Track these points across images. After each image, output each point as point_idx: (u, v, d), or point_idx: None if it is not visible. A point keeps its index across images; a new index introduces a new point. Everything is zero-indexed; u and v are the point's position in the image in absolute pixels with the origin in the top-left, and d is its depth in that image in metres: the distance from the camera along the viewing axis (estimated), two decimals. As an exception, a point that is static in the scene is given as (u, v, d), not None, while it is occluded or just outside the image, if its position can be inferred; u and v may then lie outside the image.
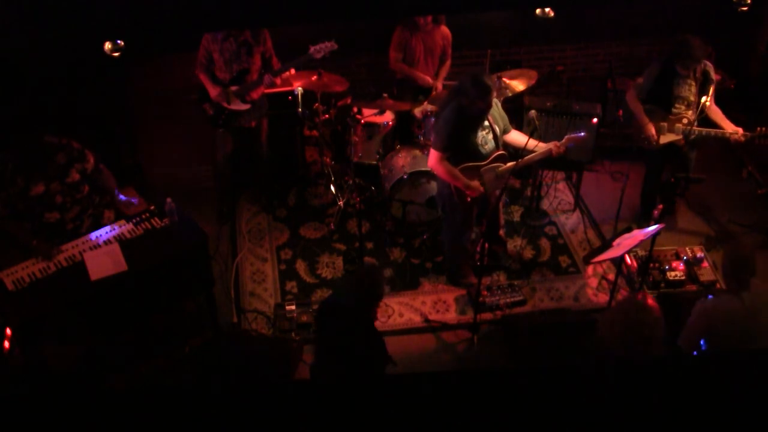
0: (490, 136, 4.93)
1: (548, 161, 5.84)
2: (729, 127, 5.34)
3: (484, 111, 4.78)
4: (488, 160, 4.93)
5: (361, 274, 4.16)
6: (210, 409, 1.88)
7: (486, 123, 4.88)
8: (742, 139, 5.28)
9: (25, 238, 4.44)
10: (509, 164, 4.97)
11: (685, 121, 5.39)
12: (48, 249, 4.39)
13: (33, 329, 4.21)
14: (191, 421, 1.86)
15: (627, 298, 4.09)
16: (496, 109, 4.96)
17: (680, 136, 5.41)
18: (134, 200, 4.87)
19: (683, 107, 5.41)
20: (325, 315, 4.11)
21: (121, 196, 4.80)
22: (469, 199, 4.96)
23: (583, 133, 4.98)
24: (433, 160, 4.88)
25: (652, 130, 5.43)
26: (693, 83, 5.35)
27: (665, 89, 5.40)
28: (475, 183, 4.90)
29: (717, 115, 5.41)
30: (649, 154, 5.69)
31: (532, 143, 4.88)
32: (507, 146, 5.10)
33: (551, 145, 4.94)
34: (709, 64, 5.36)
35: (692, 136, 5.37)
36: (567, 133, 5.06)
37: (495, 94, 4.78)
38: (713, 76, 5.37)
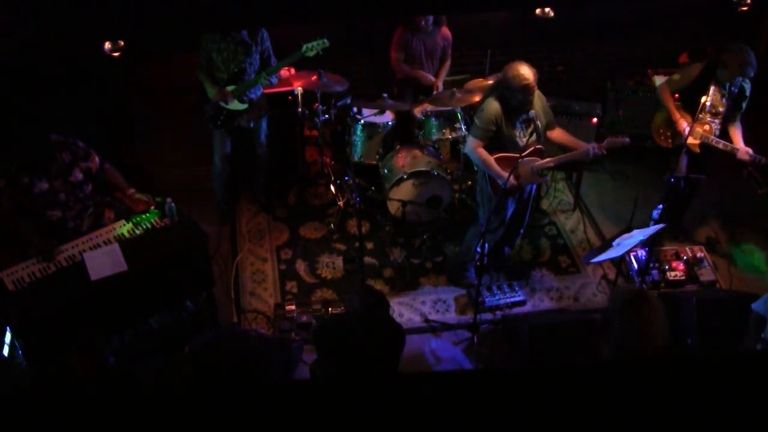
0: (530, 129, 4.88)
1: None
2: (740, 145, 5.27)
3: (524, 103, 4.76)
4: (525, 153, 4.88)
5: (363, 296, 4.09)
6: (210, 409, 1.88)
7: (527, 116, 4.84)
8: (747, 158, 5.22)
9: (27, 236, 4.45)
10: (547, 159, 4.94)
11: (706, 128, 5.35)
12: (49, 249, 4.39)
13: (34, 330, 4.21)
14: (191, 421, 1.86)
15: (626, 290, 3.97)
16: (541, 103, 4.92)
17: (697, 141, 5.37)
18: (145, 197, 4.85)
19: (708, 115, 5.36)
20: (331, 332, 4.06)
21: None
22: (501, 188, 4.91)
23: (627, 139, 4.87)
24: (468, 145, 4.90)
25: (684, 126, 5.37)
26: (726, 94, 5.30)
27: (698, 93, 5.34)
28: (507, 173, 4.82)
29: (735, 132, 5.36)
30: (663, 153, 5.64)
31: (566, 137, 4.91)
32: (550, 143, 5.06)
33: (589, 146, 4.85)
34: (748, 81, 5.28)
35: (708, 144, 5.33)
36: (591, 137, 5.00)
37: (535, 86, 4.70)
38: (748, 93, 5.30)
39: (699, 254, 5.60)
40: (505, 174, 4.81)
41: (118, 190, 4.80)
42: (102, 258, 4.37)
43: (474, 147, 4.85)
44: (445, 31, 6.19)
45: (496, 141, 4.85)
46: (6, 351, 4.80)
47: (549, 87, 6.78)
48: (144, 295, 4.53)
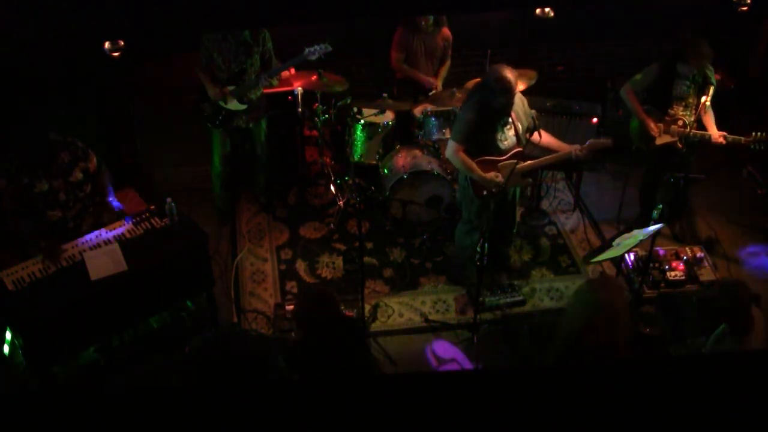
0: (512, 132, 4.90)
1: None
2: (712, 131, 5.32)
3: (506, 107, 4.77)
4: (506, 156, 4.91)
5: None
6: (210, 409, 1.88)
7: (508, 119, 4.86)
8: (723, 141, 5.26)
9: (29, 237, 4.44)
10: (528, 162, 4.96)
11: (680, 122, 5.38)
12: (56, 250, 4.38)
13: (34, 330, 4.21)
14: (191, 421, 1.86)
15: (587, 282, 4.04)
16: (522, 106, 4.93)
17: (676, 138, 5.40)
18: (119, 206, 4.78)
19: (680, 109, 5.39)
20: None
21: (115, 203, 4.73)
22: (484, 192, 4.95)
23: (609, 140, 4.92)
24: (450, 150, 4.88)
25: (653, 126, 5.41)
26: (692, 85, 5.33)
27: (664, 90, 5.38)
28: (491, 175, 4.87)
29: (708, 118, 5.38)
30: (646, 154, 5.69)
31: (549, 139, 4.88)
32: (533, 145, 5.08)
33: (572, 147, 4.91)
34: (710, 66, 5.33)
35: (688, 138, 5.36)
36: (591, 138, 5.03)
37: (516, 90, 4.74)
38: (713, 79, 5.33)
39: (699, 254, 5.59)
40: (490, 176, 4.86)
41: (101, 196, 4.76)
42: (102, 258, 4.37)
43: (455, 151, 4.84)
44: (446, 31, 6.19)
45: (477, 145, 4.85)
46: (6, 351, 4.81)
47: (549, 87, 6.80)
48: (144, 295, 4.52)
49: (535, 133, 4.77)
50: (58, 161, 4.50)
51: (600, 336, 3.50)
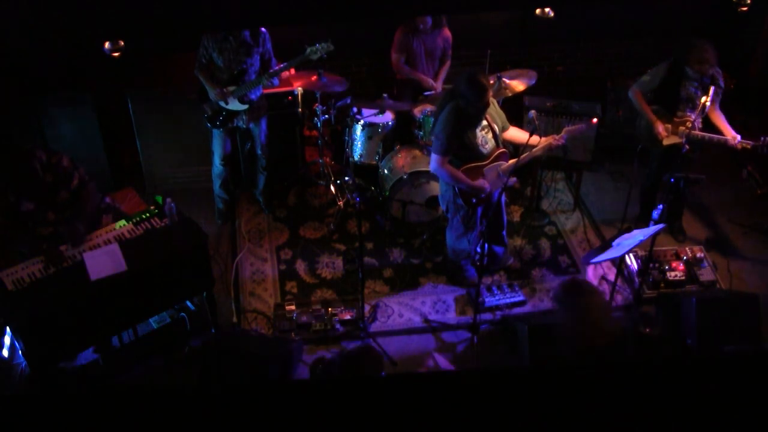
0: (490, 135, 4.92)
1: (549, 161, 5.85)
2: (728, 133, 5.31)
3: (482, 111, 4.77)
4: (489, 159, 4.92)
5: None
6: (210, 409, 1.88)
7: (485, 122, 4.87)
8: (739, 146, 5.25)
9: (33, 245, 4.41)
10: (511, 162, 4.96)
11: (688, 124, 5.36)
12: (57, 253, 4.36)
13: (34, 330, 4.21)
14: (191, 422, 1.86)
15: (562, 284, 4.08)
16: (494, 107, 4.94)
17: (683, 139, 5.39)
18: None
19: (688, 110, 5.38)
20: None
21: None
22: (473, 200, 4.96)
23: (582, 125, 4.97)
24: (434, 163, 4.86)
25: (661, 128, 5.40)
26: (700, 87, 5.32)
27: (672, 91, 5.36)
28: (480, 182, 4.89)
29: (719, 119, 5.37)
30: (651, 154, 5.68)
31: (533, 140, 4.87)
32: (507, 144, 5.10)
33: (550, 138, 4.94)
34: (718, 69, 5.30)
35: (695, 140, 5.35)
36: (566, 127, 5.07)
37: (491, 92, 4.76)
38: (721, 83, 5.31)
39: (699, 254, 5.59)
40: (479, 183, 4.87)
41: (78, 217, 4.55)
42: (102, 258, 4.37)
43: (441, 164, 4.82)
44: (446, 32, 6.19)
45: (460, 153, 4.85)
46: (6, 351, 4.81)
47: (549, 87, 6.80)
48: (144, 295, 4.52)
49: (534, 135, 4.77)
50: (42, 183, 4.39)
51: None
